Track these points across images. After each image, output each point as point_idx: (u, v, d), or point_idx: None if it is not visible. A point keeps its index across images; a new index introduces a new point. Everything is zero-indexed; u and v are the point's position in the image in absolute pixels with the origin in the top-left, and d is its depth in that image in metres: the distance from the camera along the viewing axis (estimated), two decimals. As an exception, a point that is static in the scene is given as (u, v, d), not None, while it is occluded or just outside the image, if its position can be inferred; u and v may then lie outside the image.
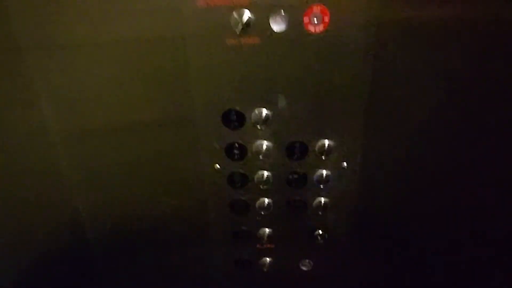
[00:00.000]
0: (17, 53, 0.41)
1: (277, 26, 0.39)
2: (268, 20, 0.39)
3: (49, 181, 0.50)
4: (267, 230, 0.55)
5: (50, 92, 0.44)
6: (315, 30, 0.39)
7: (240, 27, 0.38)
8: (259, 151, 0.47)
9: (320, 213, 0.53)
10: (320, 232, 0.55)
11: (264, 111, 0.44)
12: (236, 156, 0.48)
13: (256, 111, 0.44)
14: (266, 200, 0.52)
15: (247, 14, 0.38)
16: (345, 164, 0.49)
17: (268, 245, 0.57)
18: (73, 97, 0.44)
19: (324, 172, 0.49)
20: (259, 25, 0.39)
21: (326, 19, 0.38)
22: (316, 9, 0.38)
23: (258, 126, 0.45)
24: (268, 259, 0.59)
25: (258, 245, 0.57)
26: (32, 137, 0.46)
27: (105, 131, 0.46)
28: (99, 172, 0.50)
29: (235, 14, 0.38)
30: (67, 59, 0.42)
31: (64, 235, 0.55)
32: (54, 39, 0.40)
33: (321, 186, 0.50)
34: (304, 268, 0.60)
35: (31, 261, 0.57)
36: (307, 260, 0.59)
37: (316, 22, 0.39)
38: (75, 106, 0.45)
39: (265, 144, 0.47)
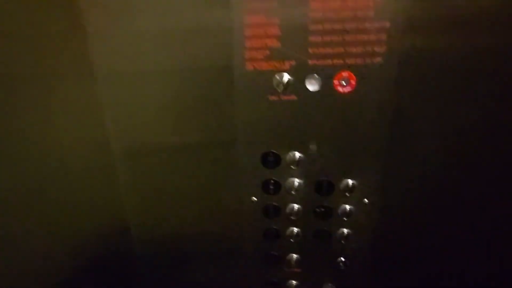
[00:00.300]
0: (92, 79, 0.45)
1: (312, 86, 0.45)
2: (304, 81, 0.44)
3: (106, 197, 0.54)
4: (295, 255, 0.58)
5: (115, 115, 0.48)
6: (343, 91, 0.45)
7: (281, 87, 0.44)
8: (291, 187, 0.51)
9: (343, 242, 0.56)
10: (343, 259, 0.58)
11: (297, 154, 0.49)
12: (271, 191, 0.52)
13: (291, 154, 0.49)
14: (295, 229, 0.56)
15: (287, 77, 0.44)
16: (366, 200, 0.53)
17: (295, 269, 0.60)
18: (134, 118, 0.48)
19: (348, 207, 0.53)
20: (296, 85, 0.45)
21: (353, 82, 0.44)
22: (345, 74, 0.44)
23: (292, 166, 0.50)
24: (294, 282, 0.61)
25: (286, 269, 0.60)
26: (96, 154, 0.51)
27: (159, 151, 0.50)
28: (151, 191, 0.54)
29: (277, 76, 0.44)
30: (133, 84, 0.46)
31: (113, 247, 0.59)
32: (124, 67, 0.45)
33: (345, 219, 0.54)
34: (327, 291, 0.62)
35: (79, 271, 0.60)
36: (329, 284, 0.61)
37: (344, 84, 0.44)
38: (135, 127, 0.49)
39: (296, 181, 0.51)
